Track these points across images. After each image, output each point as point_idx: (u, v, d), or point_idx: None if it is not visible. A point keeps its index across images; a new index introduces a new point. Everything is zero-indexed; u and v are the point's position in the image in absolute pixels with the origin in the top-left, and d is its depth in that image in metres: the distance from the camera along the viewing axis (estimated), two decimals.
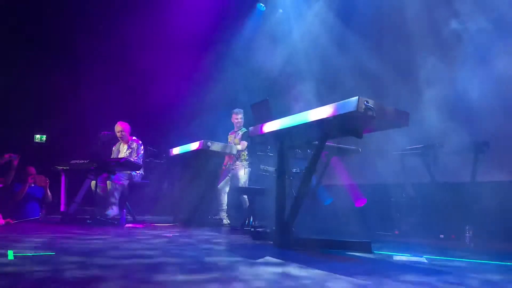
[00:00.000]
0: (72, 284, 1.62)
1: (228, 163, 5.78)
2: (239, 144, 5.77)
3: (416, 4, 5.65)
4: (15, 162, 5.43)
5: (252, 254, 2.75)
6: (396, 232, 4.58)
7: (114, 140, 6.01)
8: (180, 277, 1.83)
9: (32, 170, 5.77)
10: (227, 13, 7.86)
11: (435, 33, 5.31)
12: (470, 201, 4.09)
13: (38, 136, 6.33)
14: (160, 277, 1.81)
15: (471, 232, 3.64)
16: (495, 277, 2.06)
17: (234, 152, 5.54)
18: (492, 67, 4.48)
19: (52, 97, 6.66)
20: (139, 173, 5.78)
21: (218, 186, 5.67)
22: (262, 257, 2.58)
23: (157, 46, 7.47)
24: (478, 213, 3.91)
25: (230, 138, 6.06)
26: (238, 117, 5.98)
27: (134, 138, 5.97)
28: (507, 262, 2.66)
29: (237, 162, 5.76)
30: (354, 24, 6.45)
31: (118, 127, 5.88)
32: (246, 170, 5.73)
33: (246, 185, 5.63)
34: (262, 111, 3.62)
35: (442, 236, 4.16)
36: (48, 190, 5.82)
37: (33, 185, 5.71)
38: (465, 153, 4.27)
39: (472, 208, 4.00)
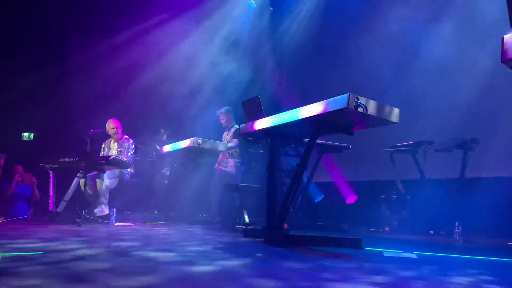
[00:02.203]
0: (60, 283, 1.59)
1: (222, 160, 5.75)
2: (231, 141, 5.74)
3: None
4: (2, 161, 5.35)
5: (243, 252, 2.74)
6: (387, 228, 4.61)
7: (104, 137, 5.94)
8: (172, 272, 1.82)
9: (20, 168, 5.69)
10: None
11: (427, 31, 5.34)
12: (459, 198, 4.13)
13: (26, 134, 6.22)
14: (154, 274, 1.79)
15: (460, 228, 3.67)
16: (484, 273, 2.08)
17: (226, 149, 5.50)
18: (484, 63, 4.51)
19: (40, 94, 6.56)
20: (129, 171, 5.73)
21: (210, 184, 5.64)
22: (253, 254, 2.57)
23: (146, 42, 7.40)
24: (468, 209, 3.95)
25: (224, 135, 6.03)
26: (220, 117, 5.94)
27: (125, 136, 5.91)
28: (496, 258, 2.69)
29: (229, 160, 5.72)
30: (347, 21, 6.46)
31: (111, 124, 5.80)
32: (238, 167, 5.70)
33: (238, 183, 5.61)
34: (253, 108, 3.59)
35: (431, 232, 4.20)
36: (36, 189, 5.74)
37: (20, 183, 5.62)
38: (454, 149, 4.30)
39: (461, 204, 4.04)
